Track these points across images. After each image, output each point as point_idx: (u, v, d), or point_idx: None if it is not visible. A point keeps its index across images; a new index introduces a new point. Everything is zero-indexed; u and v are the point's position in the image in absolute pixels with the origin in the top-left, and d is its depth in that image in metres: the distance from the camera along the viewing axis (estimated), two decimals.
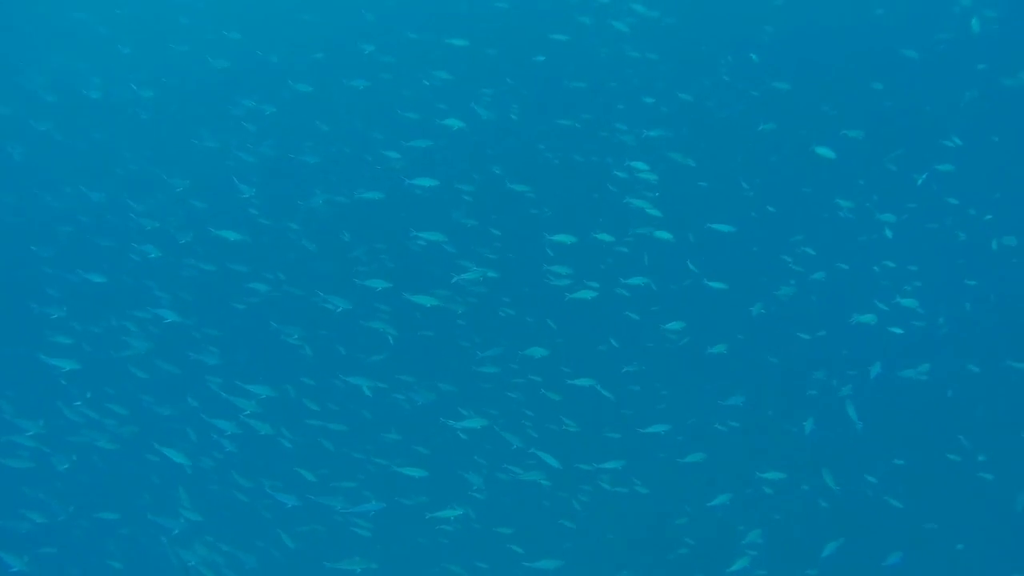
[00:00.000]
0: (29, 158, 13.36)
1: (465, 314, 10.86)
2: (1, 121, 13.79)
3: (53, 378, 9.11)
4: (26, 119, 13.31)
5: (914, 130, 13.18)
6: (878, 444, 10.60)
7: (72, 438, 8.85)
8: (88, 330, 10.44)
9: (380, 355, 10.41)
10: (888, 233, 11.18)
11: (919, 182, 11.55)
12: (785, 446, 10.66)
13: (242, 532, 9.33)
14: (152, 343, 9.30)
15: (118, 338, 9.85)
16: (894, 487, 10.00)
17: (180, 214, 11.48)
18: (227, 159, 11.64)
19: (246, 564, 8.73)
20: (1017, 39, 12.61)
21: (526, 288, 11.53)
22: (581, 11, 13.89)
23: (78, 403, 8.78)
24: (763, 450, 10.65)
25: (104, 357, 10.13)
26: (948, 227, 12.37)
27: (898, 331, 10.33)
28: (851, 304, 11.35)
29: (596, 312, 11.11)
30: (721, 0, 15.02)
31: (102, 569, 9.15)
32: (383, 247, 11.35)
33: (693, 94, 12.28)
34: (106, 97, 13.15)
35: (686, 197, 12.61)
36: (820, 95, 13.79)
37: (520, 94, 14.66)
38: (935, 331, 11.51)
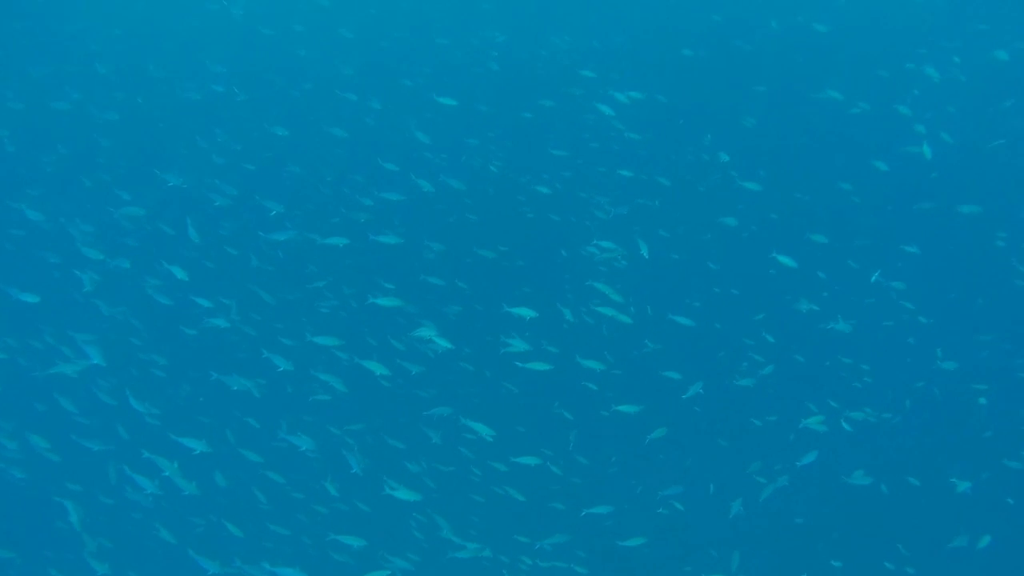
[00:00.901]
0: None
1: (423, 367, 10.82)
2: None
3: None
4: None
5: (877, 230, 13.85)
6: (815, 539, 10.76)
7: None
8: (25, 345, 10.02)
9: (327, 396, 10.20)
10: (844, 327, 11.50)
11: (873, 279, 12.05)
12: (719, 530, 10.74)
13: None
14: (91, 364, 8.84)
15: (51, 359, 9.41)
16: None
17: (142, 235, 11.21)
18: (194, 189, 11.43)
19: None
20: (968, 166, 13.48)
21: (487, 350, 11.51)
22: (572, 83, 14.35)
23: None
24: (699, 535, 10.71)
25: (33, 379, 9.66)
26: (901, 327, 12.92)
27: (847, 428, 10.68)
28: (804, 395, 11.69)
29: (552, 382, 11.14)
30: (708, 85, 15.79)
31: None
32: (339, 302, 11.21)
33: (670, 177, 12.63)
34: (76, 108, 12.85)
35: (654, 272, 13.01)
36: (791, 186, 14.45)
37: (505, 146, 15.07)
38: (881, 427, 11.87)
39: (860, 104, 13.02)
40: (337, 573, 9.11)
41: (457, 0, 17.08)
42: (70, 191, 11.92)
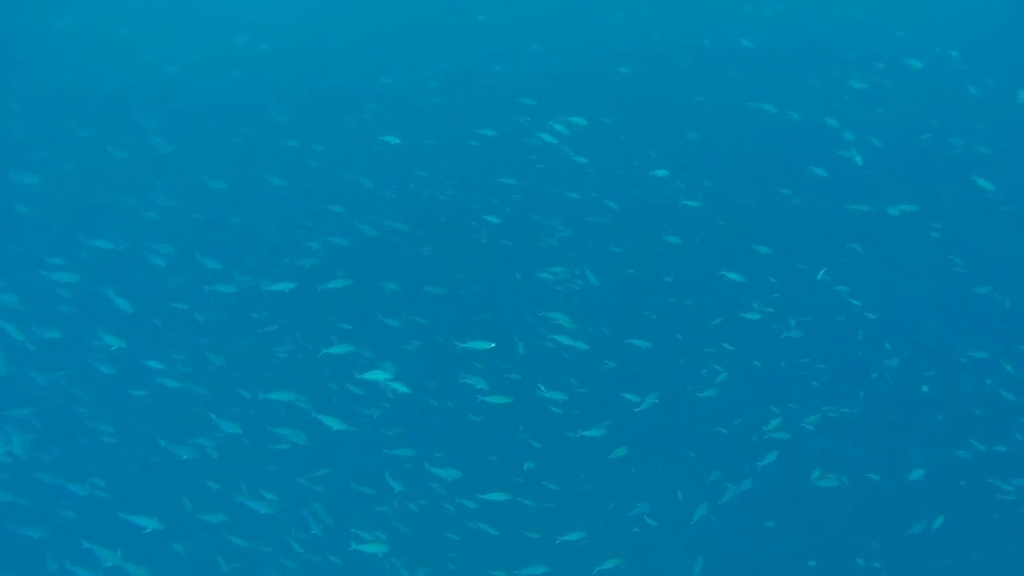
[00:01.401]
0: None
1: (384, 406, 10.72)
2: None
3: None
4: None
5: (820, 232, 14.32)
6: (787, 541, 10.92)
7: None
8: None
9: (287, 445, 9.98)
10: (796, 333, 11.82)
11: (819, 277, 12.51)
12: (693, 541, 10.84)
13: None
14: None
15: None
16: None
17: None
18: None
19: None
20: (899, 173, 14.06)
21: (449, 383, 11.47)
22: (518, 111, 14.56)
23: None
24: (673, 548, 10.78)
25: None
26: (851, 323, 13.34)
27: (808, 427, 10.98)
28: (766, 398, 11.94)
29: (517, 409, 11.15)
30: (649, 102, 16.22)
31: None
32: (295, 346, 11.04)
33: (619, 196, 12.90)
34: None
35: (610, 288, 13.22)
36: (737, 194, 14.88)
37: (454, 175, 15.21)
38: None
39: (792, 113, 13.52)
40: None
41: (396, 37, 17.23)
42: None
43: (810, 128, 14.15)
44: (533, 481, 10.58)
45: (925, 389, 11.15)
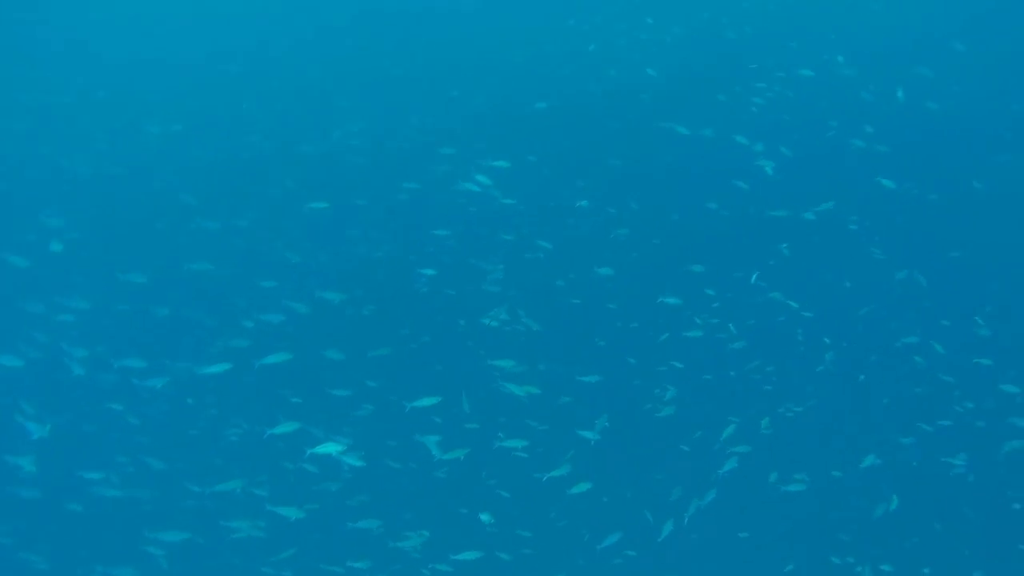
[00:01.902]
0: None
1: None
2: None
3: None
4: None
5: (748, 239, 14.90)
6: (762, 549, 11.06)
7: None
8: None
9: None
10: (739, 345, 12.17)
11: (752, 280, 13.02)
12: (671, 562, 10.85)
13: None
14: None
15: None
16: None
17: None
18: None
19: None
20: (811, 176, 14.83)
21: (407, 443, 11.26)
22: (440, 160, 14.73)
23: None
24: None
25: None
26: (790, 322, 13.84)
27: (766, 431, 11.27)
28: (724, 410, 12.18)
29: (480, 458, 11.03)
30: (567, 134, 16.69)
31: None
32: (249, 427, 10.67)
33: (554, 235, 13.15)
34: None
35: (557, 322, 13.36)
36: (666, 210, 15.38)
37: (388, 230, 15.19)
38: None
39: (706, 130, 14.15)
40: None
41: (311, 101, 17.27)
42: None
43: (724, 143, 14.79)
44: (506, 530, 10.42)
45: (862, 377, 11.60)
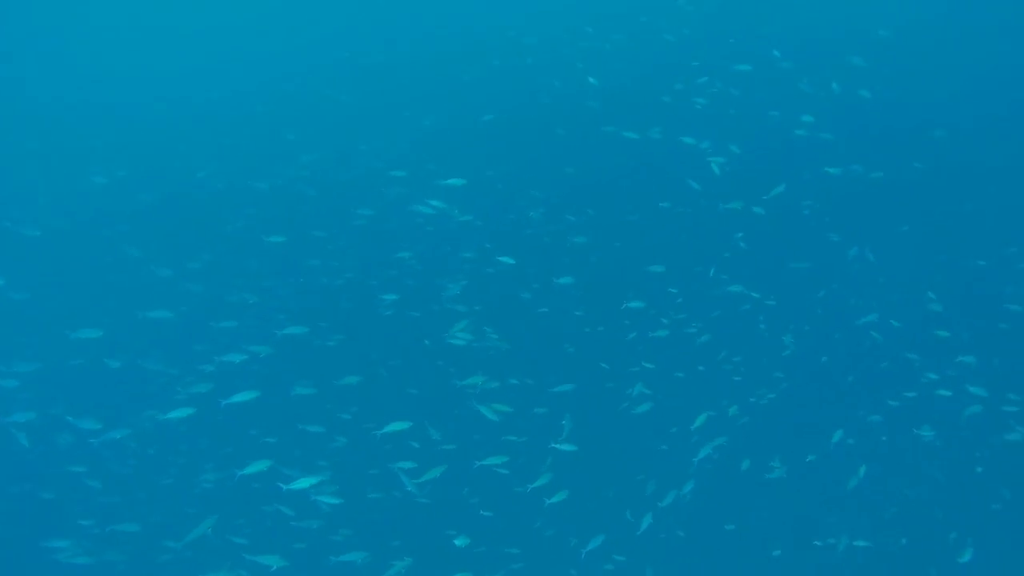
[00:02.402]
0: None
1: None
2: None
3: None
4: None
5: (706, 233, 15.18)
6: (748, 539, 11.20)
7: None
8: None
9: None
10: (705, 338, 12.39)
11: (711, 274, 13.28)
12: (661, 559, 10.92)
13: None
14: None
15: None
16: None
17: None
18: None
19: None
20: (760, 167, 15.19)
21: (383, 472, 11.14)
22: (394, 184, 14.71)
23: None
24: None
25: None
26: (753, 312, 14.12)
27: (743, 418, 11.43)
28: (697, 404, 12.32)
29: (461, 474, 10.97)
30: (518, 144, 16.81)
31: None
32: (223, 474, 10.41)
33: (514, 243, 13.21)
34: None
35: (525, 333, 13.40)
36: (623, 213, 15.57)
37: (349, 258, 15.09)
38: None
39: (654, 132, 14.38)
40: None
41: (261, 136, 17.10)
42: None
43: (672, 143, 15.06)
44: (493, 549, 10.37)
45: (824, 359, 11.87)
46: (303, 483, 7.66)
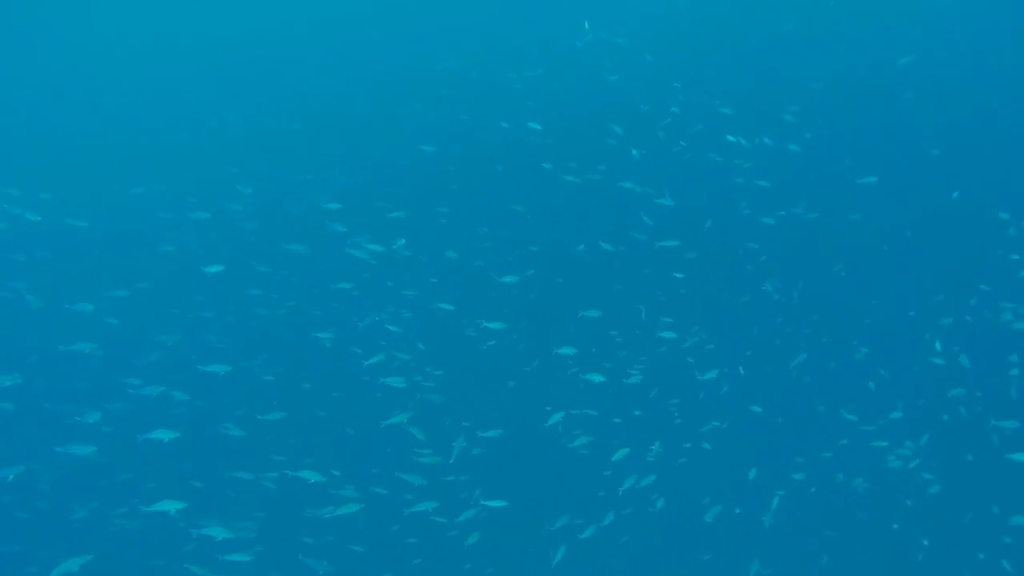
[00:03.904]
0: None
1: None
2: None
3: None
4: None
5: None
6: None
7: None
8: None
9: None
10: (637, 379, 12.55)
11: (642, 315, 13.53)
12: None
13: None
14: None
15: None
16: None
17: None
18: None
19: None
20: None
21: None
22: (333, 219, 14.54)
23: None
24: None
25: None
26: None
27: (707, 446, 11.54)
28: (646, 436, 12.39)
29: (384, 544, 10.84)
30: (459, 174, 16.84)
31: None
32: None
33: (454, 302, 13.26)
34: None
35: (467, 363, 13.32)
36: (567, 245, 15.72)
37: (286, 287, 14.83)
38: None
39: (595, 175, 14.62)
40: None
41: (202, 169, 16.75)
42: None
43: (613, 188, 15.34)
44: None
45: (759, 410, 12.11)
46: (217, 533, 7.38)
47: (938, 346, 11.60)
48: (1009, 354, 12.35)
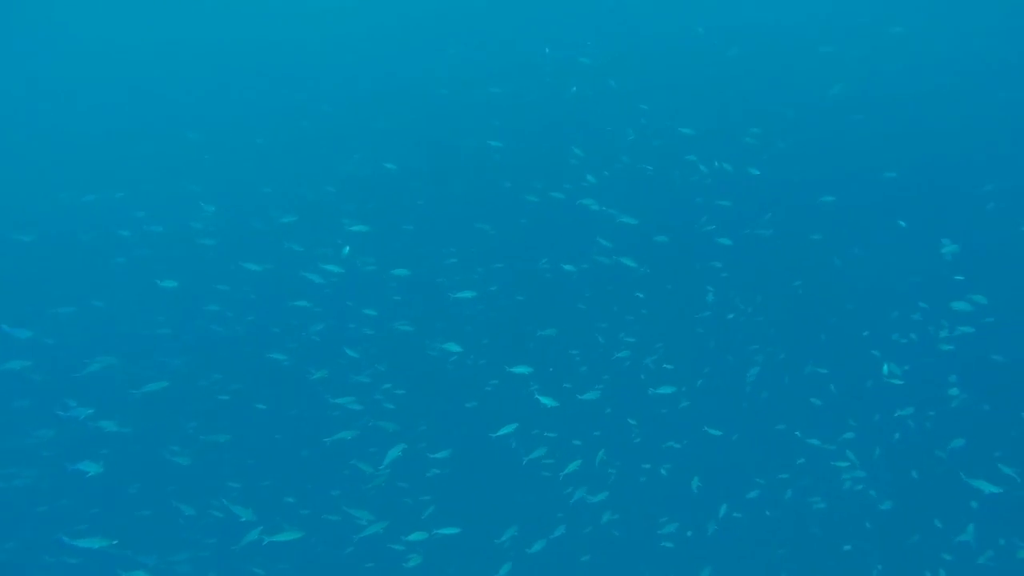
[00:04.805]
0: None
1: None
2: None
3: None
4: None
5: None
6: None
7: None
8: None
9: None
10: (593, 395, 12.57)
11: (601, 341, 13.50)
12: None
13: None
14: None
15: None
16: None
17: None
18: None
19: None
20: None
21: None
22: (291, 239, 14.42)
23: None
24: None
25: None
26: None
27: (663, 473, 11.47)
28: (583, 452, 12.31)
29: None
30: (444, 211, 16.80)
31: None
32: None
33: (414, 325, 13.21)
34: None
35: (426, 387, 13.18)
36: (525, 279, 15.73)
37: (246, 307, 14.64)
38: None
39: (556, 193, 14.71)
40: None
41: (162, 182, 16.48)
42: None
43: (569, 203, 15.42)
44: None
45: (718, 433, 12.14)
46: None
47: (885, 369, 11.80)
48: (948, 374, 12.64)
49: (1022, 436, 11.91)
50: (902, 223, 15.05)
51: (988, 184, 16.00)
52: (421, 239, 16.25)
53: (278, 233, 14.68)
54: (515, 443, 11.76)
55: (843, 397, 13.06)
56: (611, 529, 11.15)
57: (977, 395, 12.51)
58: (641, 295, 14.69)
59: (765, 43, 20.29)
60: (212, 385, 13.29)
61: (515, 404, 13.16)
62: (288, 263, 14.39)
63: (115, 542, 6.45)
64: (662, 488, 12.22)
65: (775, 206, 16.58)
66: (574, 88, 16.45)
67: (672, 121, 16.39)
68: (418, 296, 14.92)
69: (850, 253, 16.11)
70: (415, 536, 9.00)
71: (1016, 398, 12.31)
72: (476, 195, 16.24)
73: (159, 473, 10.59)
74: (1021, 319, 13.64)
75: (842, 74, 18.99)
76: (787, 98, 18.26)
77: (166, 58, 23.43)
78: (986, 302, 12.26)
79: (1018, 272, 14.67)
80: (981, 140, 17.65)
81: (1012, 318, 13.63)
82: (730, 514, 11.12)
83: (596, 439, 12.52)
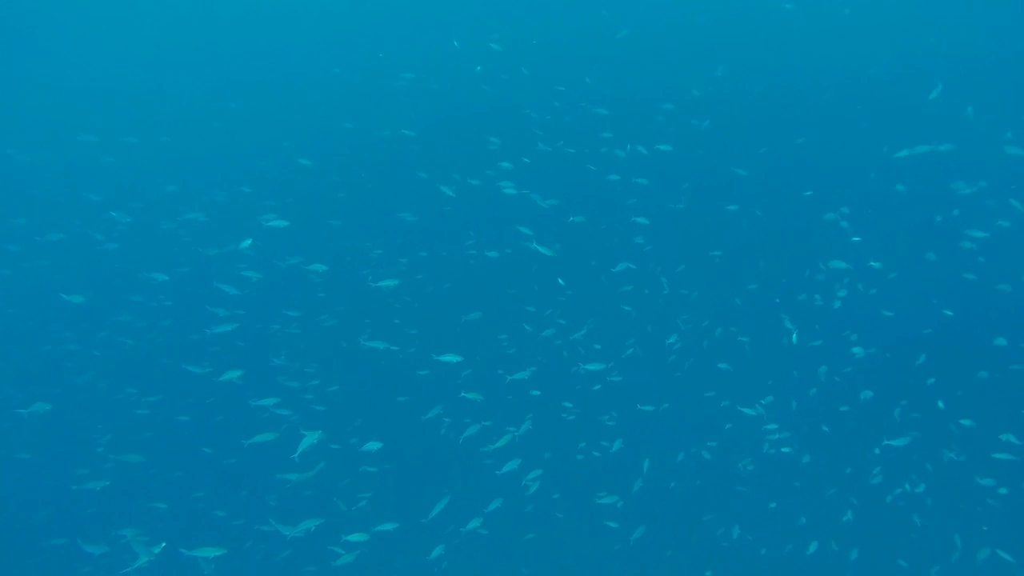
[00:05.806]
0: None
1: None
2: None
3: None
4: None
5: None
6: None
7: None
8: None
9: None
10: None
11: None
12: None
13: None
14: None
15: None
16: None
17: None
18: None
19: None
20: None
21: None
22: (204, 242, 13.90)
23: None
24: None
25: None
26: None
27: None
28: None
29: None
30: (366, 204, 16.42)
31: None
32: None
33: (341, 314, 12.90)
34: None
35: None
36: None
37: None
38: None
39: (474, 180, 14.68)
40: None
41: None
42: None
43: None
44: None
45: (650, 408, 12.44)
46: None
47: (795, 338, 12.38)
48: (849, 332, 13.39)
49: (920, 384, 12.79)
50: (808, 192, 15.79)
51: (883, 146, 16.90)
52: (345, 232, 15.92)
53: (191, 236, 14.08)
54: (444, 429, 11.77)
55: (761, 359, 13.66)
56: (554, 511, 11.30)
57: (878, 349, 13.33)
58: (562, 281, 14.83)
59: (667, 23, 20.77)
60: (127, 399, 12.71)
61: (446, 393, 13.13)
62: (204, 267, 13.85)
63: None
64: (600, 463, 12.46)
65: (690, 180, 17.06)
66: (479, 67, 16.34)
67: (586, 102, 16.58)
68: (343, 290, 14.64)
69: (764, 221, 16.76)
70: (355, 537, 8.90)
71: (910, 349, 13.18)
72: (395, 186, 16.02)
73: (68, 500, 10.02)
74: (912, 276, 14.60)
75: (728, 54, 19.69)
76: (694, 79, 18.77)
77: (71, 58, 21.94)
78: (879, 266, 12.99)
79: (906, 233, 15.56)
80: (880, 112, 18.60)
81: (905, 277, 14.58)
82: (666, 482, 11.45)
83: (530, 420, 12.65)
